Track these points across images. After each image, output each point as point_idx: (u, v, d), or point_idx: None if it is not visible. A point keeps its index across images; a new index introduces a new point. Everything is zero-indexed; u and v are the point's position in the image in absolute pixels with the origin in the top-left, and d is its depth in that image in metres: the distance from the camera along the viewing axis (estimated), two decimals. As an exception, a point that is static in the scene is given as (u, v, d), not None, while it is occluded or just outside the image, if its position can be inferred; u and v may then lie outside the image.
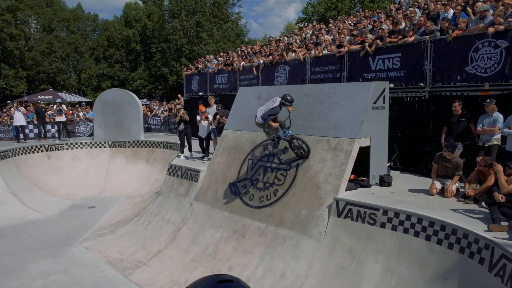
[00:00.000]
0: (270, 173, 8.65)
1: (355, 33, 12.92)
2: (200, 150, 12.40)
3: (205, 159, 11.71)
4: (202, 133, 12.03)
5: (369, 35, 10.98)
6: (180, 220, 9.68)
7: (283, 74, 13.63)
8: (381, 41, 10.38)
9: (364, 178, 8.15)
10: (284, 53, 13.91)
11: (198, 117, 11.96)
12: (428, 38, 9.36)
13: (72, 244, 10.10)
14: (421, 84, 9.58)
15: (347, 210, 7.08)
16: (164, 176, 11.98)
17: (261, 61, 14.79)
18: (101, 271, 8.58)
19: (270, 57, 14.76)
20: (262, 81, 14.57)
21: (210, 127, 11.92)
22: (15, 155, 14.63)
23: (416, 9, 12.77)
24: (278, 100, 8.09)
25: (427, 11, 11.91)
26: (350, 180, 7.77)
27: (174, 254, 8.74)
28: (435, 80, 9.39)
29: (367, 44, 10.65)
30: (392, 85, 9.64)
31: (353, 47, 11.34)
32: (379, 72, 10.46)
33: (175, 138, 15.78)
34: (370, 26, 13.13)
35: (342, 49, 11.48)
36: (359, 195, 7.37)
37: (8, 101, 27.17)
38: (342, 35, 12.59)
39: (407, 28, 10.66)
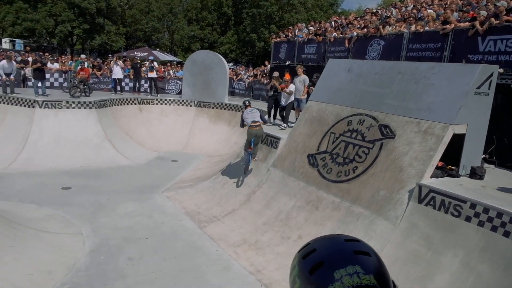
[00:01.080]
0: (351, 149, 8.45)
1: (465, 9, 11.74)
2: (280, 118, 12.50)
3: (282, 127, 11.77)
4: (283, 101, 12.08)
5: (482, 12, 9.89)
6: (256, 184, 9.96)
7: (377, 49, 12.96)
8: (496, 20, 9.31)
9: (453, 167, 7.59)
10: (381, 26, 13.16)
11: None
12: (555, 19, 8.20)
13: (156, 192, 10.98)
14: (538, 72, 8.51)
15: (429, 197, 6.70)
16: (244, 140, 12.29)
17: (355, 34, 14.18)
18: (180, 220, 9.24)
19: (365, 29, 14.07)
20: (352, 54, 14.03)
21: (292, 97, 11.90)
22: (112, 105, 15.99)
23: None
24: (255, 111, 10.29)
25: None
26: (437, 167, 7.30)
27: (247, 215, 9.08)
28: (557, 68, 8.27)
29: (478, 22, 9.63)
30: (501, 70, 8.68)
31: (461, 24, 10.34)
32: (487, 55, 9.46)
33: (257, 104, 16.02)
34: (484, 2, 11.80)
35: (448, 26, 10.54)
36: (445, 184, 6.92)
37: (110, 55, 29.49)
38: (449, 11, 11.51)
39: (529, 7, 9.43)
